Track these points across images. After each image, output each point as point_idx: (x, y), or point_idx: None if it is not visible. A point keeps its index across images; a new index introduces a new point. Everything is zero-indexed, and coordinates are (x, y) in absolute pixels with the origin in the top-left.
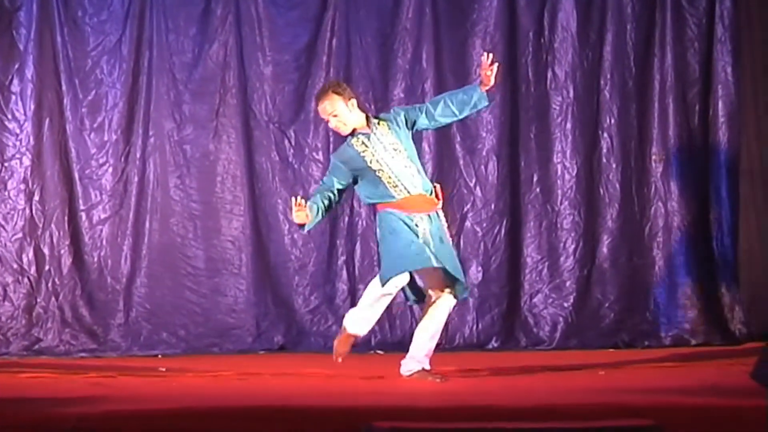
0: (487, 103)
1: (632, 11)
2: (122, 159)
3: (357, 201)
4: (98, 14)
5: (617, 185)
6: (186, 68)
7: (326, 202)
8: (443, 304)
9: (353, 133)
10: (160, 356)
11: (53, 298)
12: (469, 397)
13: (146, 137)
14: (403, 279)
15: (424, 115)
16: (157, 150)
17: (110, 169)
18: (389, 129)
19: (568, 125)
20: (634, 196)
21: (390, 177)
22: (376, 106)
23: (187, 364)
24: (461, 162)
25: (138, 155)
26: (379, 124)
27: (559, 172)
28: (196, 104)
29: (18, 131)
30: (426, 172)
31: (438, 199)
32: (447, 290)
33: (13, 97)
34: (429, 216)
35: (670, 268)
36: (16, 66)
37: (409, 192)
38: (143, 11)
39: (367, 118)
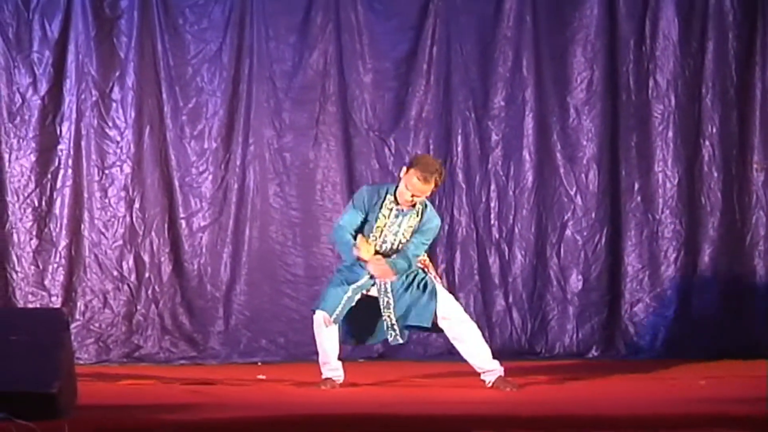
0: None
1: (734, 19)
2: (222, 167)
3: (457, 209)
4: (199, 22)
5: (719, 194)
6: (286, 76)
7: None
8: (465, 320)
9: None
10: (259, 363)
11: (153, 306)
12: (569, 407)
13: (246, 145)
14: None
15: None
16: (257, 158)
17: (210, 177)
18: (416, 224)
19: (670, 134)
20: (736, 205)
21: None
22: (477, 114)
23: (286, 372)
24: (562, 170)
25: (238, 163)
26: (417, 213)
27: (660, 181)
28: (296, 112)
29: (119, 139)
30: (526, 181)
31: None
32: (455, 315)
33: (114, 104)
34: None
35: None
36: (117, 74)
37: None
38: (243, 19)
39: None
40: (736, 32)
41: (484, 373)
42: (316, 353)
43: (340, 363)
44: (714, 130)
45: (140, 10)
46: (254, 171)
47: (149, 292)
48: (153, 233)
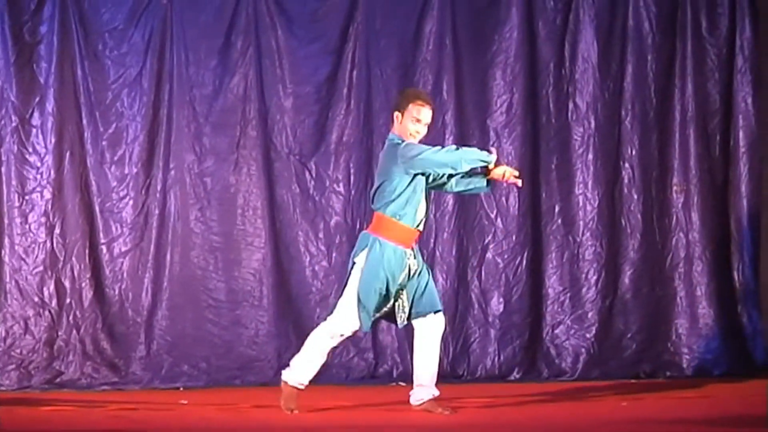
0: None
1: (653, 42)
2: (143, 192)
3: None
4: (119, 47)
5: (639, 216)
6: (206, 101)
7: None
8: (435, 327)
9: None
10: (181, 389)
11: (74, 331)
12: (490, 429)
13: (167, 170)
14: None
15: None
16: (178, 183)
17: (131, 202)
18: None
19: (590, 156)
20: (656, 227)
21: (425, 207)
22: None
23: (208, 397)
24: (482, 193)
25: (159, 188)
26: None
27: (581, 203)
28: (217, 137)
29: (39, 164)
30: (447, 204)
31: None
32: (432, 313)
33: (34, 130)
34: (413, 249)
35: (691, 299)
36: (37, 99)
37: (419, 225)
38: (164, 44)
39: None
40: (655, 55)
41: (419, 387)
42: (238, 378)
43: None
44: (633, 153)
45: (60, 35)
46: (175, 196)
47: (70, 317)
48: (74, 259)
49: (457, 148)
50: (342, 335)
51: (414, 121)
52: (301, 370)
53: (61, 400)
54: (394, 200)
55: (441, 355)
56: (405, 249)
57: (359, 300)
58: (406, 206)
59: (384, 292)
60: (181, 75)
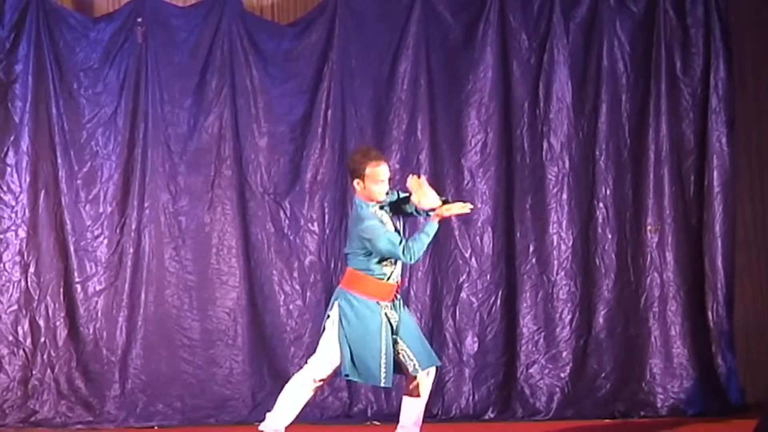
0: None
1: (627, 82)
2: (117, 231)
3: None
4: (93, 86)
5: (613, 255)
6: (181, 140)
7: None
8: (431, 377)
9: (365, 204)
10: (156, 427)
11: (49, 370)
12: None
13: (141, 209)
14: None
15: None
16: (153, 222)
17: (105, 241)
18: (390, 216)
19: (564, 196)
20: (630, 267)
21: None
22: None
23: None
24: (456, 232)
25: (133, 227)
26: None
27: (555, 243)
28: (192, 176)
29: (13, 203)
30: None
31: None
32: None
33: (9, 169)
34: (393, 301)
35: (666, 338)
36: (12, 138)
37: (393, 279)
38: (138, 83)
39: None
40: (630, 95)
41: (402, 428)
42: (212, 417)
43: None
44: (608, 192)
45: (35, 74)
46: (150, 235)
47: (45, 356)
48: (48, 297)
49: (406, 242)
50: (315, 380)
51: (377, 183)
52: (277, 417)
53: None
54: (361, 258)
55: None
56: (379, 301)
57: (361, 358)
58: (375, 263)
59: (383, 336)
60: (156, 114)
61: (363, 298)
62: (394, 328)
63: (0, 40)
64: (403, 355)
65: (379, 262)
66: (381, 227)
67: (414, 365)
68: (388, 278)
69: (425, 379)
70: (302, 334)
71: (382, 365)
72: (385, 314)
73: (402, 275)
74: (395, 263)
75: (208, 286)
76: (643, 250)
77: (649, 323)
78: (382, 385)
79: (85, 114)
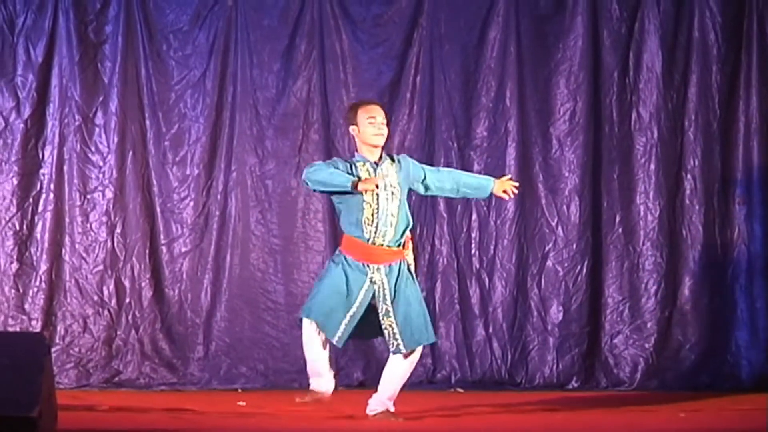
0: (484, 197)
1: (717, 53)
2: (204, 193)
3: (438, 239)
4: (183, 48)
5: (700, 227)
6: (269, 104)
7: None
8: (416, 355)
9: (361, 155)
10: (239, 390)
11: (133, 331)
12: None
13: (228, 172)
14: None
15: (427, 178)
16: (239, 185)
17: (192, 203)
18: (397, 171)
19: (652, 166)
20: (717, 239)
21: (371, 214)
22: (459, 144)
23: (266, 399)
24: (543, 201)
25: (220, 190)
26: (391, 160)
27: (642, 213)
28: (279, 140)
29: (101, 164)
30: (508, 211)
31: (405, 249)
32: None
33: (97, 129)
34: (389, 266)
35: (752, 311)
36: (101, 99)
37: (376, 240)
38: (228, 46)
39: (381, 150)
40: (720, 66)
41: (376, 402)
42: (296, 381)
43: (332, 373)
44: (696, 164)
45: (124, 35)
46: (236, 198)
47: (129, 317)
48: (134, 258)
49: (321, 167)
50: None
51: (370, 122)
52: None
53: (120, 399)
54: (341, 218)
55: (499, 363)
56: (365, 263)
57: (327, 307)
58: (351, 223)
59: (343, 291)
60: (244, 77)
61: (352, 259)
62: (383, 295)
63: (90, 1)
64: (388, 331)
65: (354, 223)
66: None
67: (397, 344)
68: (371, 241)
69: (402, 361)
70: None
71: (342, 324)
72: (371, 278)
73: (399, 240)
74: (375, 225)
75: (293, 250)
76: (730, 222)
77: (735, 295)
78: (333, 340)
79: (173, 76)
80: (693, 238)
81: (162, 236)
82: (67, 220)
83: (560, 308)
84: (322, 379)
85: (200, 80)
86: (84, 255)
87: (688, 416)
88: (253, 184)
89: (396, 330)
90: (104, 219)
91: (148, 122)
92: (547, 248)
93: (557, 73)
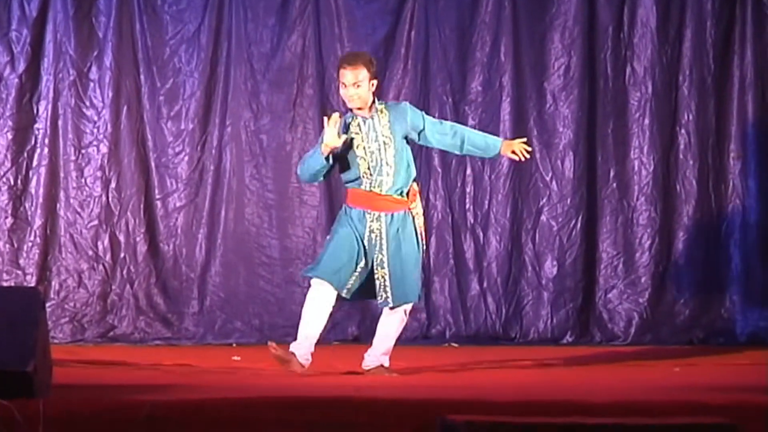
0: (493, 156)
1: (712, 8)
2: (198, 148)
3: (432, 194)
4: (177, 3)
5: (694, 182)
6: (264, 58)
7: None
8: (407, 311)
9: (352, 111)
10: (234, 345)
11: (128, 286)
12: (543, 392)
13: (223, 127)
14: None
15: (426, 129)
16: (234, 140)
17: (186, 158)
18: (389, 120)
19: (646, 121)
20: (711, 193)
21: (368, 167)
22: (454, 99)
23: (261, 354)
24: (537, 156)
25: (214, 144)
26: (381, 111)
27: (636, 168)
28: (274, 94)
29: (96, 118)
30: (502, 166)
31: (410, 199)
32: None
33: (92, 84)
34: (392, 216)
35: (746, 266)
36: (95, 53)
37: (376, 188)
38: (222, 1)
39: (373, 102)
40: (714, 21)
41: (371, 357)
42: (291, 335)
43: (310, 352)
44: (690, 118)
45: None
46: (230, 153)
47: (124, 272)
48: (129, 213)
49: (305, 161)
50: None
51: (342, 86)
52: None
53: (114, 353)
54: (342, 176)
55: (493, 318)
56: (363, 210)
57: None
58: (350, 179)
59: (353, 247)
60: (239, 32)
61: (354, 208)
62: (379, 244)
63: None
64: (379, 282)
65: (353, 179)
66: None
67: (385, 297)
68: (369, 187)
69: (392, 315)
70: None
71: (353, 276)
72: (369, 227)
73: (401, 189)
74: (373, 176)
75: (288, 204)
76: (725, 177)
77: (729, 250)
78: (343, 293)
79: (168, 30)
80: (687, 193)
81: (156, 191)
82: (61, 174)
83: (554, 263)
84: (302, 346)
85: (195, 35)
86: (79, 210)
87: (682, 370)
88: (248, 139)
89: (387, 283)
90: (99, 174)
91: (142, 77)
92: (541, 203)
93: (552, 28)
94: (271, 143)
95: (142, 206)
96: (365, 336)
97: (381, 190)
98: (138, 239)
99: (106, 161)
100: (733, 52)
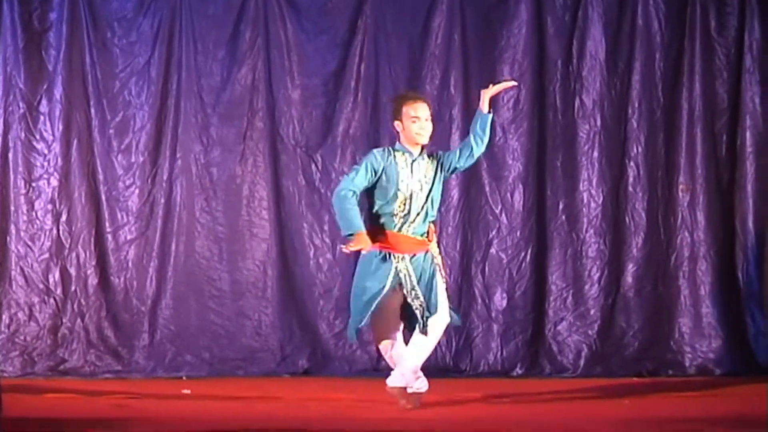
0: (487, 114)
1: (661, 40)
2: (149, 181)
3: None
4: (127, 36)
5: (643, 214)
6: (214, 91)
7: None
8: (439, 323)
9: (403, 147)
10: (184, 378)
11: (79, 319)
12: (493, 425)
13: (173, 159)
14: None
15: (456, 156)
16: (184, 172)
17: (137, 191)
18: (432, 166)
19: (595, 153)
20: (660, 226)
21: (403, 207)
22: None
23: (211, 387)
24: (487, 188)
25: (165, 177)
26: (431, 157)
27: (585, 200)
28: (224, 127)
29: (46, 152)
30: (452, 198)
31: (429, 240)
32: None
33: (42, 117)
34: (414, 256)
35: (695, 298)
36: (45, 86)
37: (402, 229)
38: (172, 33)
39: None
40: (663, 53)
41: (399, 371)
42: (241, 368)
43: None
44: (639, 151)
45: (69, 23)
46: (181, 185)
47: (75, 305)
48: (79, 246)
49: (342, 201)
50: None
51: (413, 121)
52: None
53: (64, 387)
54: (373, 207)
55: (444, 349)
56: (391, 252)
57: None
58: (384, 213)
59: (374, 293)
60: (189, 65)
61: (377, 250)
62: (408, 280)
63: None
64: (419, 311)
65: (387, 213)
66: (358, 168)
67: (427, 318)
68: (399, 228)
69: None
70: (331, 287)
71: (365, 316)
72: (395, 266)
73: (424, 232)
74: (406, 215)
75: (238, 237)
76: (674, 209)
77: (678, 282)
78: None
79: (118, 63)
80: (636, 225)
81: (107, 224)
82: (12, 208)
83: (504, 295)
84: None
85: (145, 68)
86: (29, 243)
87: (632, 403)
88: (198, 172)
89: (425, 306)
90: (49, 207)
91: (92, 110)
92: (491, 236)
93: (501, 60)
94: (221, 176)
95: (92, 239)
96: (315, 369)
97: (408, 231)
98: (89, 272)
99: (56, 194)
100: (682, 85)
